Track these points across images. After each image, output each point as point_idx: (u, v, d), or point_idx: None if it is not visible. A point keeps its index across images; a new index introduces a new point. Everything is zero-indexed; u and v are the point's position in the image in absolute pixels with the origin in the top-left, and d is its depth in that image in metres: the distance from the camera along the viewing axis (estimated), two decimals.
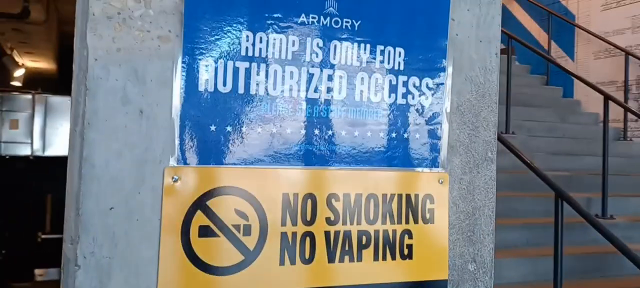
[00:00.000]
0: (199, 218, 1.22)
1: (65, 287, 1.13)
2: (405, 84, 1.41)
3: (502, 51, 5.71)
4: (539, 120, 6.58)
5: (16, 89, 9.81)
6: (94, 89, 1.11)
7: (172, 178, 1.19)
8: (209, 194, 1.23)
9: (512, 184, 5.13)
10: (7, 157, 8.44)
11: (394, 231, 1.42)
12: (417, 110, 1.43)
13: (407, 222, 1.43)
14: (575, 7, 7.24)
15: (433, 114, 1.45)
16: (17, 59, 9.36)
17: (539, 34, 7.79)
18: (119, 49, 1.13)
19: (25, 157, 8.59)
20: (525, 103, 6.78)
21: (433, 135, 1.45)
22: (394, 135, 1.41)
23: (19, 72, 9.80)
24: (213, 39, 1.21)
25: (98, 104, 1.12)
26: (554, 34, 7.55)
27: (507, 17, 8.33)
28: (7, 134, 8.36)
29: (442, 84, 1.45)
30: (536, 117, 6.64)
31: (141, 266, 1.17)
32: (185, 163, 1.21)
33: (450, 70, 1.45)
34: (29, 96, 8.69)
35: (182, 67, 1.19)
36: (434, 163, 1.46)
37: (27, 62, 10.29)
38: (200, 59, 1.20)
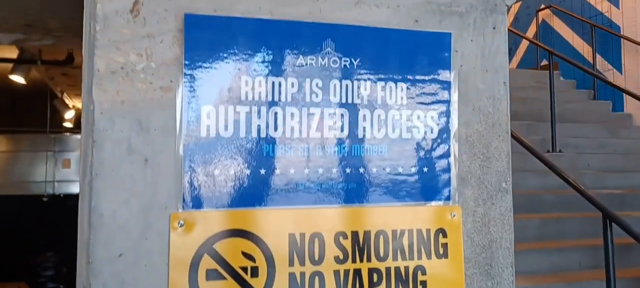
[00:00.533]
0: (206, 262, 1.25)
1: None
2: (409, 118, 1.41)
3: (544, 67, 5.59)
4: (587, 136, 6.35)
5: (68, 129, 10.32)
6: (101, 140, 1.17)
7: (178, 223, 1.23)
8: (215, 237, 1.26)
9: (560, 205, 4.96)
10: (61, 195, 8.85)
11: (407, 267, 1.40)
12: (423, 144, 1.42)
13: (419, 257, 1.41)
14: (620, 18, 7.00)
15: (440, 146, 1.44)
16: (67, 101, 9.85)
17: (583, 48, 7.57)
18: (123, 101, 1.18)
19: (77, 195, 8.95)
20: (571, 119, 6.57)
21: (442, 168, 1.44)
22: (400, 170, 1.40)
23: (69, 114, 10.31)
24: (212, 86, 1.25)
25: (104, 154, 1.17)
26: (599, 46, 7.31)
27: (548, 32, 8.14)
28: (60, 173, 8.79)
29: (448, 116, 1.44)
30: (584, 133, 6.41)
31: None
32: (190, 208, 1.24)
33: (456, 101, 1.44)
34: (79, 136, 9.09)
35: (184, 114, 1.23)
36: (444, 196, 1.44)
37: (77, 104, 10.82)
38: (201, 106, 1.24)
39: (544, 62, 7.36)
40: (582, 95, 7.36)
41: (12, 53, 6.29)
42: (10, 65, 6.55)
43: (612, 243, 3.24)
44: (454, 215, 1.44)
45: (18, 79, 6.70)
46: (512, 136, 4.55)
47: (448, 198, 1.44)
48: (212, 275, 1.25)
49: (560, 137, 5.93)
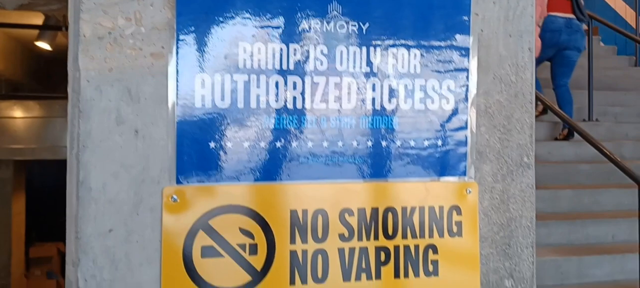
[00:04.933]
0: (202, 239, 1.18)
1: None
2: (423, 88, 1.30)
3: None
4: (627, 104, 6.06)
5: None
6: (87, 110, 1.10)
7: (171, 198, 1.17)
8: (211, 213, 1.19)
9: (595, 176, 4.78)
10: None
11: (417, 246, 1.31)
12: (437, 115, 1.31)
13: (431, 236, 1.32)
14: None
15: (456, 118, 1.33)
16: None
17: (626, 12, 7.18)
18: (111, 69, 1.11)
19: None
20: (611, 87, 6.28)
21: (457, 141, 1.33)
22: (412, 143, 1.30)
23: None
24: (207, 52, 1.17)
25: (92, 125, 1.11)
26: None
27: None
28: None
29: (466, 85, 1.33)
30: (624, 101, 6.13)
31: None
32: (184, 182, 1.17)
33: (475, 69, 1.32)
34: None
35: (177, 83, 1.15)
36: (460, 171, 1.33)
37: None
38: (195, 75, 1.16)
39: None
40: (623, 61, 7.02)
41: (38, 19, 6.29)
42: (36, 32, 6.56)
43: None
44: (470, 192, 1.34)
45: (44, 45, 6.71)
46: (545, 104, 4.38)
47: (463, 173, 1.34)
48: (208, 252, 1.19)
49: (598, 105, 5.68)
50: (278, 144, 1.22)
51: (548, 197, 4.22)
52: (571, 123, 4.07)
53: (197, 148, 1.17)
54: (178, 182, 1.17)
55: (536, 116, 4.98)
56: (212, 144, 1.18)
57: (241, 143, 1.20)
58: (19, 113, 7.29)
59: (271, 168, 1.22)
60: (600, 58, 6.53)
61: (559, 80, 5.08)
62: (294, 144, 1.23)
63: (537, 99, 3.98)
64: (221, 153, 1.19)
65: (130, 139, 1.13)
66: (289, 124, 1.23)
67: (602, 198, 4.46)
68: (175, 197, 1.17)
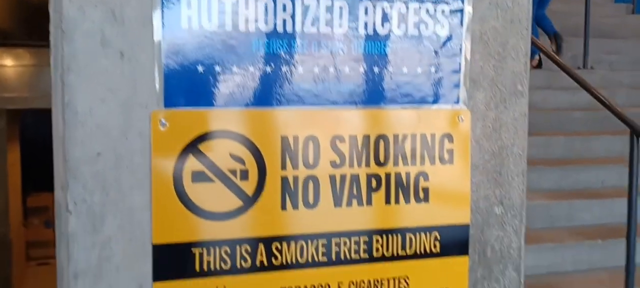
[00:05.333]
0: (192, 163, 1.18)
1: (58, 231, 1.13)
2: (417, 12, 1.27)
3: None
4: (622, 52, 6.04)
5: None
6: (71, 31, 1.07)
7: (160, 122, 1.15)
8: (201, 139, 1.18)
9: (588, 123, 4.80)
10: None
11: (408, 173, 1.31)
12: (431, 41, 1.29)
13: (422, 163, 1.32)
14: None
15: (451, 44, 1.30)
16: None
17: None
18: None
19: None
20: (607, 35, 6.24)
21: (451, 68, 1.31)
22: (405, 70, 1.28)
23: None
24: None
25: (76, 46, 1.08)
26: None
27: None
28: None
29: (461, 10, 1.30)
30: (619, 49, 6.10)
31: (134, 212, 1.15)
32: (172, 106, 1.15)
33: None
34: None
35: (162, 3, 1.12)
36: (452, 99, 1.32)
37: None
38: None
39: None
40: (620, 9, 6.96)
41: None
42: None
43: (638, 161, 3.09)
44: (462, 120, 1.33)
45: None
46: (542, 51, 4.35)
47: (456, 101, 1.33)
48: (198, 177, 1.18)
49: (594, 53, 5.66)
50: (268, 69, 1.20)
51: (541, 144, 4.25)
52: (567, 70, 4.04)
53: (185, 72, 1.15)
54: (166, 106, 1.15)
55: (532, 68, 5.04)
56: (200, 68, 1.16)
57: (230, 67, 1.18)
58: (9, 61, 7.19)
59: (261, 93, 1.21)
60: (597, 5, 6.45)
61: (537, 12, 5.49)
62: (285, 68, 1.21)
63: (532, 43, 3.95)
64: (210, 77, 1.17)
65: (116, 62, 1.11)
66: (279, 48, 1.20)
67: (594, 145, 4.50)
68: (163, 121, 1.15)
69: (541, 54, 5.13)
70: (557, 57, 4.28)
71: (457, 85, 1.32)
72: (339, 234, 1.28)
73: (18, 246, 8.35)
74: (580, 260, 3.49)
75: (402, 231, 1.31)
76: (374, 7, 1.25)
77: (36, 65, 7.27)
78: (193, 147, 1.17)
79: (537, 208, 3.71)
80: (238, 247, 1.22)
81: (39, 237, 9.07)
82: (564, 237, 3.62)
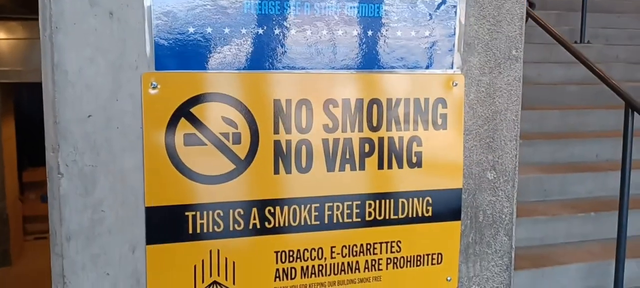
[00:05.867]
0: (184, 126, 1.17)
1: (50, 194, 1.13)
2: None
3: None
4: (619, 27, 6.01)
5: None
6: None
7: (151, 84, 1.14)
8: (193, 101, 1.17)
9: (583, 97, 4.80)
10: None
11: (401, 138, 1.31)
12: (426, 4, 1.28)
13: (415, 128, 1.31)
14: None
15: (445, 7, 1.29)
16: None
17: None
18: None
19: None
20: (605, 9, 6.21)
21: (445, 32, 1.30)
22: (398, 33, 1.27)
23: None
24: None
25: (64, 5, 1.06)
26: None
27: None
28: None
29: None
30: (616, 24, 6.08)
31: (126, 174, 1.15)
32: (163, 68, 1.14)
33: None
34: None
35: None
36: (447, 64, 1.31)
37: None
38: None
39: None
40: None
41: None
42: None
43: (632, 134, 3.10)
44: (456, 84, 1.32)
45: None
46: (539, 24, 4.32)
47: (450, 66, 1.32)
48: (190, 140, 1.17)
49: (591, 28, 5.63)
50: (260, 31, 1.19)
51: (535, 118, 4.25)
52: (563, 43, 4.02)
53: (176, 33, 1.14)
54: (157, 68, 1.14)
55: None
56: (191, 29, 1.14)
57: (222, 29, 1.16)
58: (2, 35, 7.11)
59: (253, 56, 1.19)
60: None
61: None
62: (277, 31, 1.20)
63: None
64: (201, 39, 1.15)
65: (105, 22, 1.09)
66: (271, 9, 1.19)
67: (588, 119, 4.50)
68: (154, 83, 1.14)
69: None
70: (554, 31, 4.26)
71: (451, 50, 1.31)
72: (332, 198, 1.28)
73: (15, 221, 8.35)
74: (573, 233, 3.52)
75: (395, 195, 1.31)
76: None
77: (29, 38, 7.20)
78: (185, 109, 1.17)
79: (531, 182, 3.73)
80: (231, 211, 1.22)
81: (35, 211, 9.06)
82: (558, 209, 3.64)
